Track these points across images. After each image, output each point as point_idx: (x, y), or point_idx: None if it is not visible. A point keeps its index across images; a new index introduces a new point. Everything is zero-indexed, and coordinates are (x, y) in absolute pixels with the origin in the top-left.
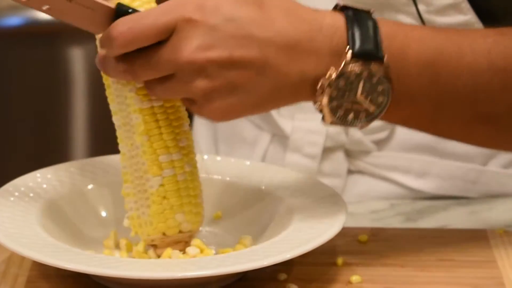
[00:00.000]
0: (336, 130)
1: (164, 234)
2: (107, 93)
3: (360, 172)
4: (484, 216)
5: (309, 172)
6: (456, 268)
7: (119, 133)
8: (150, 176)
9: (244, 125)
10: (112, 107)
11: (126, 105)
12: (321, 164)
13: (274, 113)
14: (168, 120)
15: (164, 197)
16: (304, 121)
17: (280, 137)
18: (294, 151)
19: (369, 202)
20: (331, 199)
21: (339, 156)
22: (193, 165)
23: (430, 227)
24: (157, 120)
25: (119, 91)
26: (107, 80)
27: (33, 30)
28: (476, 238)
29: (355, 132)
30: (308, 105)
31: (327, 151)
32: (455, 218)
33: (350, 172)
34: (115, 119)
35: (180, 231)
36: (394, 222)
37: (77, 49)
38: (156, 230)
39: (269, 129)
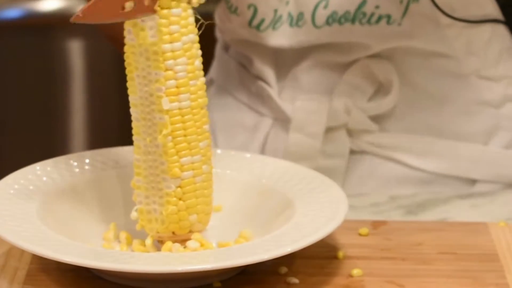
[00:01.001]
0: (338, 109)
1: (173, 233)
2: (129, 84)
3: (363, 152)
4: (485, 209)
5: (312, 152)
6: (458, 261)
7: (136, 125)
8: (167, 176)
9: (244, 113)
10: (133, 99)
11: (150, 102)
12: (324, 144)
13: (275, 97)
14: (193, 121)
15: (180, 199)
16: (306, 101)
17: (282, 121)
18: (296, 130)
19: (369, 195)
20: (331, 192)
21: (342, 135)
22: (209, 164)
23: (431, 220)
24: (183, 122)
25: (145, 86)
26: (130, 73)
27: (31, 22)
28: (477, 231)
29: (357, 111)
30: (310, 86)
31: (329, 131)
32: (456, 211)
33: (352, 152)
34: (134, 111)
35: (190, 231)
36: (395, 215)
37: (75, 41)
38: (167, 230)
39: (271, 114)
